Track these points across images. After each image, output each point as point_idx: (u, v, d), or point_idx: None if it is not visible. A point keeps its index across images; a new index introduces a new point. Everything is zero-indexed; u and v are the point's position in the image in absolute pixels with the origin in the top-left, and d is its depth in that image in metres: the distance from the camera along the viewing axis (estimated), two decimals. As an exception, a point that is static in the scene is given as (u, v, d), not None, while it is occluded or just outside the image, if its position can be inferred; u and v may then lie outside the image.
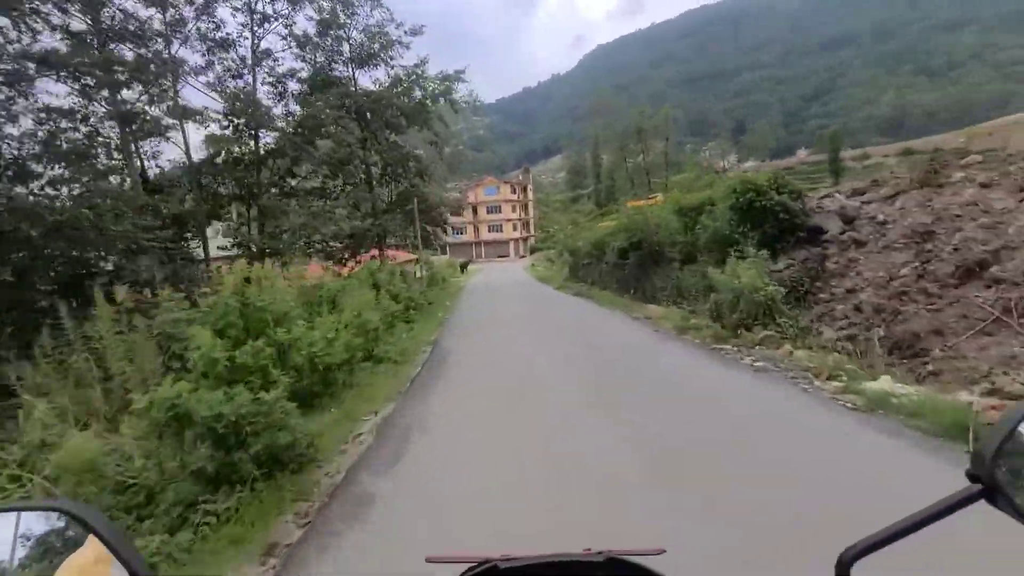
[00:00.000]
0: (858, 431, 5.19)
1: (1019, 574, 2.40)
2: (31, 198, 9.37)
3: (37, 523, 0.64)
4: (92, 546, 0.61)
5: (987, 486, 0.52)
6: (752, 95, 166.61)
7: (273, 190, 17.76)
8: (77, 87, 11.25)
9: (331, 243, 20.90)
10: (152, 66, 12.63)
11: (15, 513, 0.64)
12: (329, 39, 20.57)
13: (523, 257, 70.24)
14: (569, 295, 24.65)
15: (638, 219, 19.42)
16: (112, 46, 12.15)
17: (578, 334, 12.52)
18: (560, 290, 27.85)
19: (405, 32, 21.99)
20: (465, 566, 0.87)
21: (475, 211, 74.07)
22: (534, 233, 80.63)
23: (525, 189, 78.71)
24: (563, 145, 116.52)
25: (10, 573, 0.61)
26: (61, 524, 0.63)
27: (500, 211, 72.61)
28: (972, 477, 0.53)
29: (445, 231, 28.98)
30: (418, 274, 27.57)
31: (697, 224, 14.78)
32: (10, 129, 9.71)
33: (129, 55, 12.46)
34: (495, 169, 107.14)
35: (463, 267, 53.60)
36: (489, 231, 73.69)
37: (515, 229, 74.37)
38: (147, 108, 13.09)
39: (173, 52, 14.30)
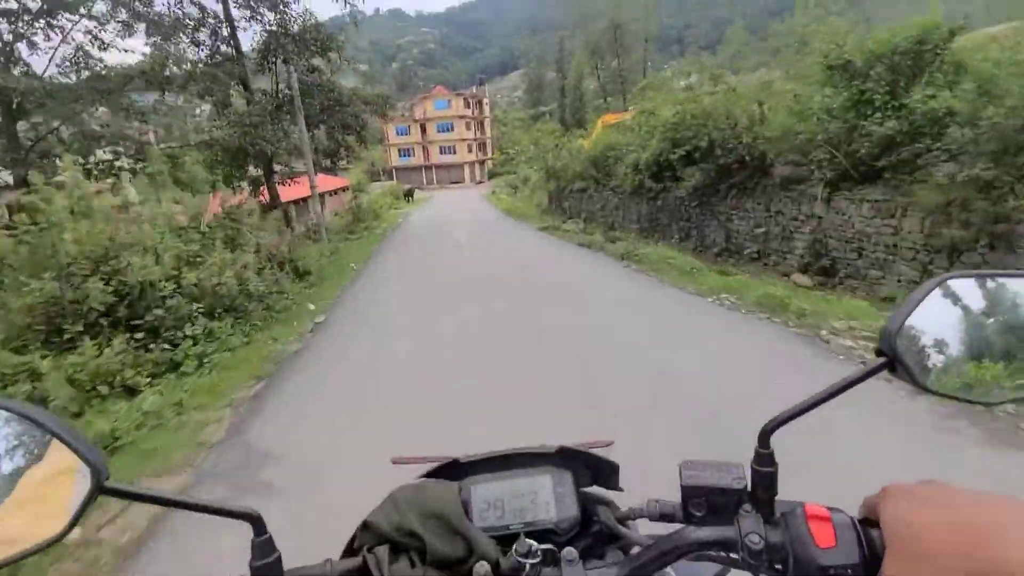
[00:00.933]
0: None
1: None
2: None
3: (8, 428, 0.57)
4: (52, 455, 0.56)
5: (890, 359, 0.59)
6: (715, 9, 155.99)
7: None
8: None
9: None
10: None
11: None
12: None
13: (480, 183, 61.12)
14: (568, 244, 16.03)
15: (713, 105, 11.53)
16: None
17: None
18: (547, 233, 19.67)
19: None
20: (428, 466, 0.88)
21: (423, 129, 63.42)
22: (492, 156, 71.01)
23: (481, 104, 68.15)
24: (521, 60, 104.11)
25: None
26: (14, 428, 0.57)
27: (452, 129, 62.33)
28: (879, 352, 0.60)
29: (364, 143, 19.92)
30: (314, 218, 18.79)
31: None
32: None
33: None
34: (447, 86, 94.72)
35: (408, 195, 44.30)
36: (441, 153, 63.62)
37: (470, 151, 64.57)
38: None
39: None
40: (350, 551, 0.77)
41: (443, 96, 63.13)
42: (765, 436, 0.63)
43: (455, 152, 63.15)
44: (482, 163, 69.26)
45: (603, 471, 0.85)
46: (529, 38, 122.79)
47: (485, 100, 69.46)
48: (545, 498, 0.78)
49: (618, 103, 50.26)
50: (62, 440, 0.55)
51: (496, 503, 0.78)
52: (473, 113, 65.05)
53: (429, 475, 0.86)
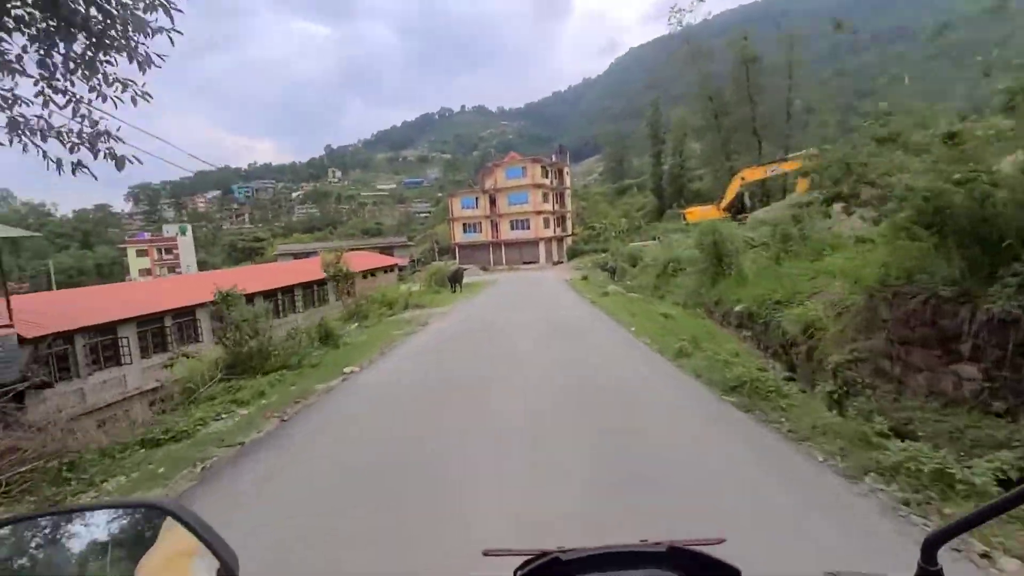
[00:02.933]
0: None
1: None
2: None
3: (126, 519, 0.64)
4: (172, 539, 0.60)
5: None
6: (799, 91, 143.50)
7: None
8: None
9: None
10: None
11: (107, 510, 0.65)
12: None
13: (558, 263, 49.11)
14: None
15: None
16: None
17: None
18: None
19: None
20: (522, 559, 0.85)
21: (493, 202, 53.32)
22: (573, 232, 59.46)
23: (561, 174, 57.76)
24: (594, 148, 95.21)
25: (99, 568, 0.61)
26: (144, 519, 0.63)
27: (527, 201, 51.71)
28: None
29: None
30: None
31: None
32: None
33: None
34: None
35: (454, 281, 31.60)
36: (513, 228, 52.83)
37: (547, 226, 53.35)
38: None
39: None
40: None
41: (517, 163, 53.36)
42: (930, 550, 0.57)
43: (529, 227, 52.14)
44: (560, 240, 57.67)
45: (716, 573, 0.76)
46: (604, 125, 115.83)
47: (566, 169, 59.17)
48: None
49: (748, 157, 37.31)
50: (203, 540, 0.56)
51: None
52: (552, 183, 54.56)
53: (528, 572, 0.82)
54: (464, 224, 55.66)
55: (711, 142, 46.38)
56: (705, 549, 0.79)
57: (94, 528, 0.62)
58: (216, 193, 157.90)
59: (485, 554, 0.96)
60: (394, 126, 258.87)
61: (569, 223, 59.93)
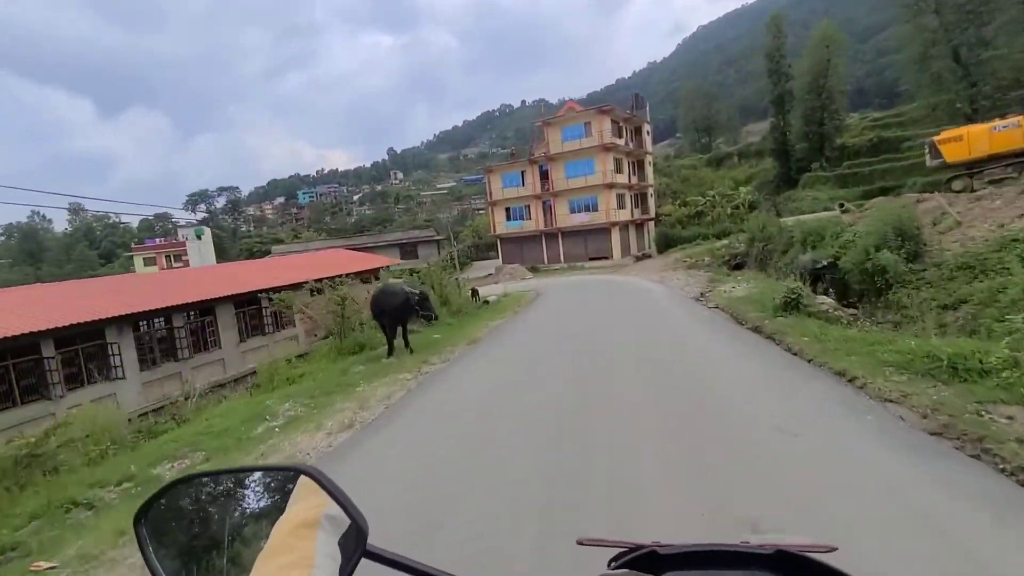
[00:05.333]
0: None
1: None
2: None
3: (272, 482, 0.67)
4: (304, 505, 0.62)
5: None
6: (899, 54, 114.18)
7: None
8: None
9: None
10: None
11: (255, 472, 0.69)
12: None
13: (642, 258, 32.28)
14: None
15: None
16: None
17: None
18: None
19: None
20: (616, 550, 0.82)
21: (544, 176, 37.30)
22: (658, 215, 42.31)
23: (640, 133, 40.69)
24: (683, 102, 76.11)
25: (245, 525, 0.65)
26: (286, 481, 0.65)
27: (593, 170, 35.28)
28: None
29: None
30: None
31: None
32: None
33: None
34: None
35: (474, 293, 17.21)
36: (573, 212, 36.60)
37: (622, 205, 36.63)
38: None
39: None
40: None
41: (578, 116, 36.83)
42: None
43: (597, 207, 35.68)
44: (641, 225, 40.66)
45: None
46: (673, 109, 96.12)
47: (646, 127, 41.87)
48: None
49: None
50: (339, 502, 0.59)
51: None
52: (627, 144, 37.71)
53: (623, 563, 0.78)
54: (507, 209, 40.06)
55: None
56: (815, 556, 0.71)
57: (243, 488, 0.67)
58: (280, 200, 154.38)
59: (579, 543, 0.90)
60: (455, 126, 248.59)
61: (652, 202, 42.82)
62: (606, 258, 35.29)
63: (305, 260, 25.95)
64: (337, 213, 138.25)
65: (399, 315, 10.37)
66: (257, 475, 0.70)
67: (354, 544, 0.58)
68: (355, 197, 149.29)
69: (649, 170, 42.09)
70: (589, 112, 35.93)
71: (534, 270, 34.80)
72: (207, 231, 63.49)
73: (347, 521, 0.60)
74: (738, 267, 20.84)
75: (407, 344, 10.56)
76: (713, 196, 33.88)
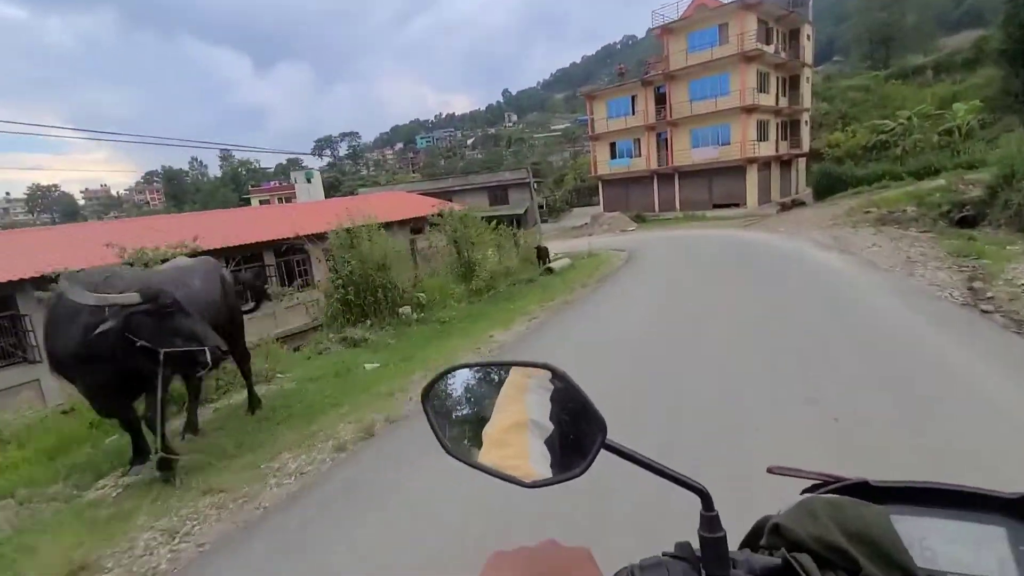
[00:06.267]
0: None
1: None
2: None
3: (521, 375, 0.72)
4: (514, 407, 0.67)
5: None
6: None
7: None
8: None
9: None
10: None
11: (506, 368, 0.73)
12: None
13: (791, 207, 23.51)
14: None
15: None
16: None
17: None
18: None
19: None
20: (810, 482, 0.76)
21: (661, 99, 29.22)
22: (811, 150, 32.29)
23: (796, 37, 30.29)
24: (844, 28, 59.59)
25: (486, 411, 0.71)
26: (545, 381, 0.69)
27: (728, 89, 26.59)
28: None
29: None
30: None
31: None
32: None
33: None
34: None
35: (541, 256, 12.19)
36: (696, 145, 28.46)
37: (763, 136, 27.68)
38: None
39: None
40: (753, 548, 0.67)
41: (710, 17, 27.68)
42: None
43: (728, 140, 27.20)
44: (788, 162, 31.17)
45: None
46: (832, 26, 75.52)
47: (807, 28, 31.02)
48: (999, 554, 0.59)
49: None
50: (581, 396, 0.63)
51: (925, 543, 0.61)
52: (778, 52, 27.98)
53: (828, 492, 0.72)
54: (612, 145, 32.69)
55: None
56: None
57: (494, 379, 0.73)
58: (399, 145, 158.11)
59: (769, 471, 0.82)
60: (573, 63, 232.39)
61: (806, 133, 32.54)
62: (737, 205, 27.06)
63: (351, 203, 22.13)
64: (451, 157, 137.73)
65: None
66: (508, 369, 0.73)
67: (597, 434, 0.60)
68: (469, 141, 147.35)
69: (806, 89, 31.57)
70: (727, 8, 26.56)
71: (640, 220, 27.82)
72: (317, 174, 64.11)
73: (549, 427, 0.64)
74: (967, 222, 12.66)
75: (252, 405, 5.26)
76: (909, 118, 23.54)
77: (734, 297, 7.99)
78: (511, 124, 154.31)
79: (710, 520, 0.60)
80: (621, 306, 8.62)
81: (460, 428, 0.75)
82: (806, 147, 32.21)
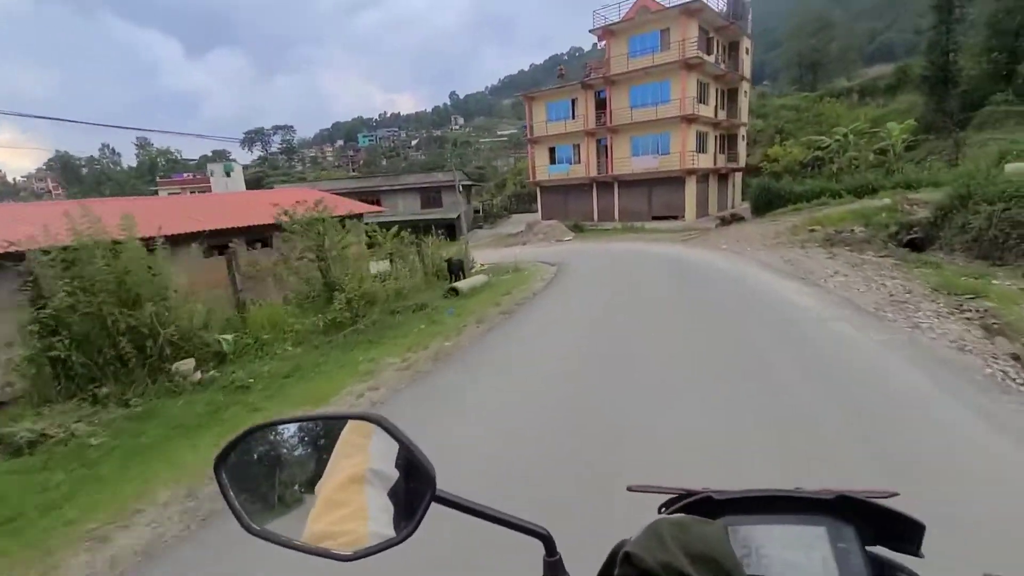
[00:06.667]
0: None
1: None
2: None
3: (335, 430, 0.67)
4: (350, 460, 0.62)
5: None
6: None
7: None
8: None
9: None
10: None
11: (320, 422, 0.70)
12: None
13: (730, 221, 22.47)
14: None
15: None
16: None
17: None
18: None
19: None
20: (666, 496, 0.81)
21: (601, 104, 27.83)
22: (747, 165, 32.11)
23: (736, 50, 29.87)
24: (776, 55, 61.87)
25: (311, 469, 0.66)
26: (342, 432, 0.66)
27: (668, 97, 25.51)
28: None
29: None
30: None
31: None
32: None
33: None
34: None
35: (451, 270, 10.24)
36: (636, 153, 27.23)
37: (702, 148, 26.89)
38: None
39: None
40: None
41: (652, 21, 26.55)
42: None
43: (668, 150, 26.16)
44: (726, 176, 30.73)
45: (894, 530, 0.67)
46: (764, 53, 79.20)
47: (746, 42, 30.74)
48: (822, 553, 0.63)
49: None
50: (407, 448, 0.60)
51: (760, 551, 0.64)
52: (718, 62, 27.33)
53: (676, 510, 0.76)
54: (551, 150, 31.04)
55: None
56: (875, 500, 0.68)
57: (313, 435, 0.68)
58: (340, 143, 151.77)
59: (629, 489, 0.87)
60: (521, 71, 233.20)
61: (743, 148, 32.30)
62: (676, 217, 26.03)
63: (265, 197, 19.03)
64: (393, 157, 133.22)
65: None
66: (322, 424, 0.69)
67: (426, 489, 0.58)
68: (413, 142, 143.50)
69: (744, 103, 31.30)
70: (669, 13, 25.46)
71: (578, 229, 26.20)
72: (238, 167, 58.91)
73: (394, 475, 0.60)
74: (916, 245, 11.63)
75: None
76: (845, 135, 23.28)
77: (682, 354, 5.79)
78: (457, 127, 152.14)
79: (553, 565, 0.59)
80: (522, 359, 6.27)
81: (269, 497, 0.66)
82: (743, 161, 31.93)
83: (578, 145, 29.47)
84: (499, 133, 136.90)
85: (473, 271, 17.73)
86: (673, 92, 25.45)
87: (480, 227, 36.39)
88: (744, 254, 12.61)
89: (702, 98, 26.38)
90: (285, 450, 0.69)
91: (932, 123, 26.72)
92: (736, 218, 21.13)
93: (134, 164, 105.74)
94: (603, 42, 27.45)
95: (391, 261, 11.04)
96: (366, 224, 18.07)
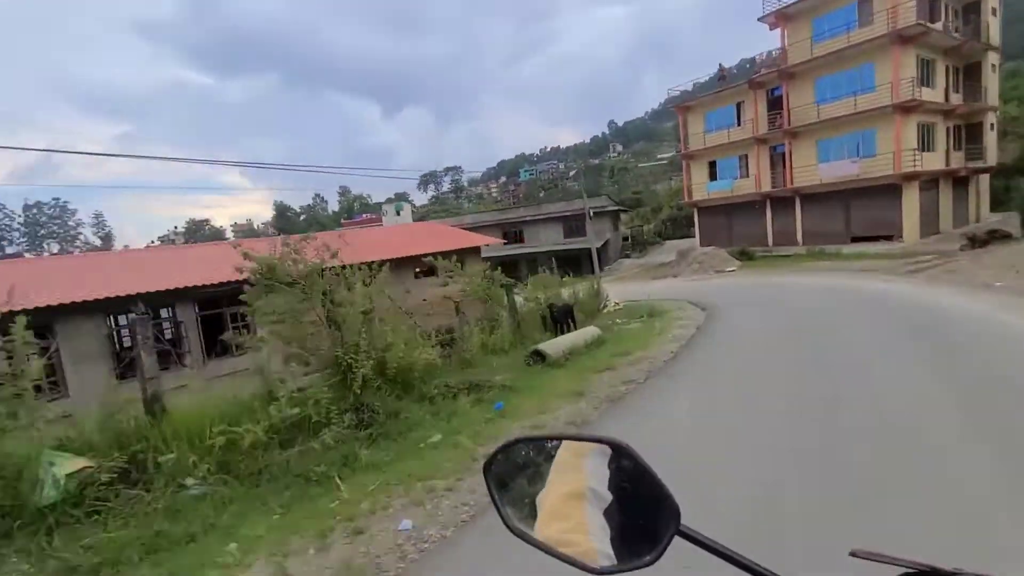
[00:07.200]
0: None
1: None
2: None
3: (577, 450, 0.70)
4: (570, 475, 0.65)
5: None
6: None
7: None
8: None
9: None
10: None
11: (563, 441, 0.72)
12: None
13: (984, 243, 15.38)
14: None
15: None
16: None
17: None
18: None
19: None
20: (899, 569, 0.72)
21: (776, 102, 22.64)
22: (995, 159, 23.50)
23: (976, 12, 22.10)
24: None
25: (545, 485, 0.68)
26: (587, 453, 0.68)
27: (873, 82, 19.53)
28: None
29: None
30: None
31: None
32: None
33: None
34: None
35: (560, 323, 7.68)
36: (825, 160, 21.40)
37: (927, 144, 19.96)
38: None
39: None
40: None
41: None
42: None
43: (873, 150, 19.94)
44: (964, 179, 22.72)
45: None
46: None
47: (990, 17, 22.62)
48: None
49: None
50: (651, 476, 0.61)
51: None
52: (949, 30, 20.27)
53: None
54: (711, 164, 26.39)
55: None
56: None
57: (556, 454, 0.69)
58: (503, 179, 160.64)
59: (852, 555, 0.79)
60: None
61: (991, 141, 23.61)
62: (889, 238, 19.47)
63: (368, 237, 18.51)
64: (551, 188, 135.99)
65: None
66: (570, 442, 0.71)
67: (669, 522, 0.58)
68: (571, 172, 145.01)
69: (991, 81, 22.87)
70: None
71: (745, 256, 21.21)
72: (407, 206, 64.37)
73: (608, 497, 0.61)
74: None
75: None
76: None
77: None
78: (615, 154, 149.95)
79: None
80: None
81: (520, 501, 0.72)
82: (992, 159, 23.30)
83: (745, 156, 24.49)
84: (659, 157, 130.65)
85: (604, 311, 14.70)
86: (879, 76, 19.37)
87: (628, 256, 32.81)
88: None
89: (925, 80, 19.69)
90: (534, 462, 0.73)
91: None
92: (997, 236, 14.46)
93: (336, 208, 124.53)
94: (776, 26, 22.46)
95: (485, 303, 8.78)
96: (488, 259, 16.12)
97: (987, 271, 9.84)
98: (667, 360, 7.03)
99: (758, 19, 22.64)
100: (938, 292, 9.00)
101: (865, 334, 7.15)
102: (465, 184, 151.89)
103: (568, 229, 32.11)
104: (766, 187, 23.42)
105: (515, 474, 0.76)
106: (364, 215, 70.26)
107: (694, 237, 28.23)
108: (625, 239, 35.50)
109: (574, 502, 0.61)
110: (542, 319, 8.98)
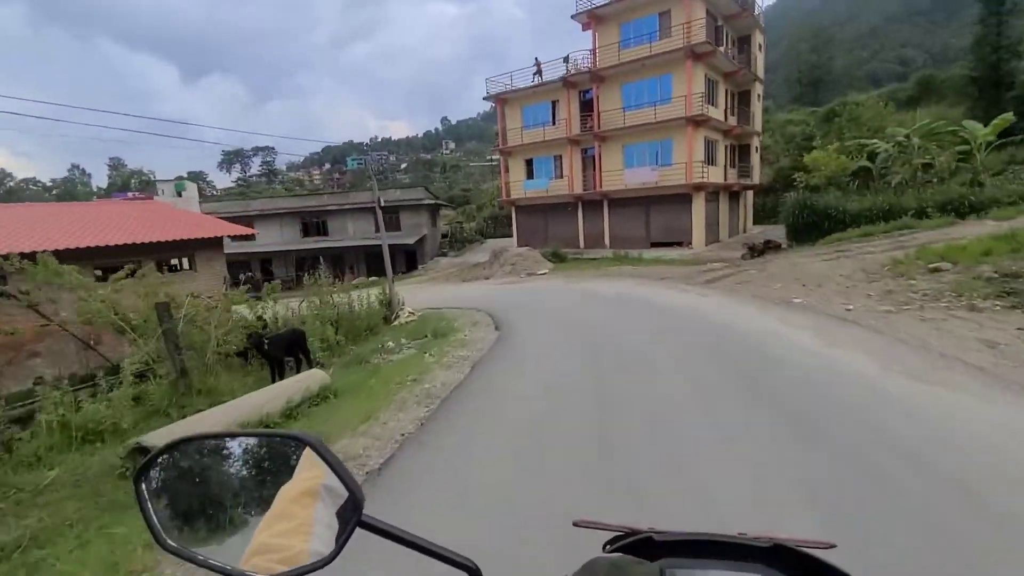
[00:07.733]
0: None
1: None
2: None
3: (274, 448, 0.67)
4: (306, 475, 0.62)
5: None
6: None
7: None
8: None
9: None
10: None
11: (255, 438, 0.69)
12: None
13: (763, 251, 16.58)
14: None
15: None
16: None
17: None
18: None
19: None
20: (612, 533, 0.81)
21: (588, 105, 22.45)
22: (760, 179, 26.86)
23: (748, 43, 24.72)
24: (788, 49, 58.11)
25: (248, 487, 0.65)
26: (289, 450, 0.65)
27: (670, 95, 20.19)
28: None
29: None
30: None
31: None
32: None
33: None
34: None
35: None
36: (630, 165, 21.73)
37: (711, 159, 21.45)
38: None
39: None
40: None
41: (648, 3, 21.19)
42: None
43: (670, 160, 20.71)
44: (736, 194, 25.31)
45: None
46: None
47: (759, 36, 25.56)
48: None
49: None
50: (334, 469, 0.59)
51: None
52: (729, 55, 22.12)
53: (619, 548, 0.77)
54: (528, 162, 25.55)
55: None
56: (812, 551, 0.70)
57: (246, 452, 0.65)
58: (328, 165, 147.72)
59: (575, 524, 0.86)
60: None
61: (756, 162, 26.95)
62: (680, 244, 20.41)
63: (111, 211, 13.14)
64: (380, 179, 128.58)
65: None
66: (259, 440, 0.67)
67: (351, 515, 0.57)
68: (402, 165, 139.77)
69: (757, 108, 26.02)
70: (669, -4, 20.34)
71: (557, 258, 20.44)
72: (191, 187, 52.94)
73: (345, 493, 0.59)
74: None
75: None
76: (907, 136, 17.71)
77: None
78: (448, 151, 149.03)
79: None
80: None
81: (195, 512, 0.63)
82: (756, 178, 26.55)
83: (560, 156, 23.96)
84: (489, 157, 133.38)
85: (396, 322, 11.82)
86: (676, 89, 20.08)
87: (445, 254, 30.56)
88: (856, 321, 6.74)
89: (711, 99, 21.05)
90: (218, 465, 0.65)
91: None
92: (771, 246, 15.47)
93: (106, 185, 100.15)
94: (588, 27, 22.14)
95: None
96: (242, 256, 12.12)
97: (778, 285, 9.61)
98: (402, 439, 4.37)
99: (571, 16, 22.03)
100: (747, 312, 8.07)
101: (688, 390, 5.25)
102: (283, 168, 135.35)
103: (385, 222, 28.53)
104: (578, 189, 23.13)
105: (189, 480, 0.65)
106: (132, 193, 56.14)
107: (513, 236, 27.17)
108: (444, 236, 33.23)
109: (306, 499, 0.57)
110: (243, 355, 5.74)
